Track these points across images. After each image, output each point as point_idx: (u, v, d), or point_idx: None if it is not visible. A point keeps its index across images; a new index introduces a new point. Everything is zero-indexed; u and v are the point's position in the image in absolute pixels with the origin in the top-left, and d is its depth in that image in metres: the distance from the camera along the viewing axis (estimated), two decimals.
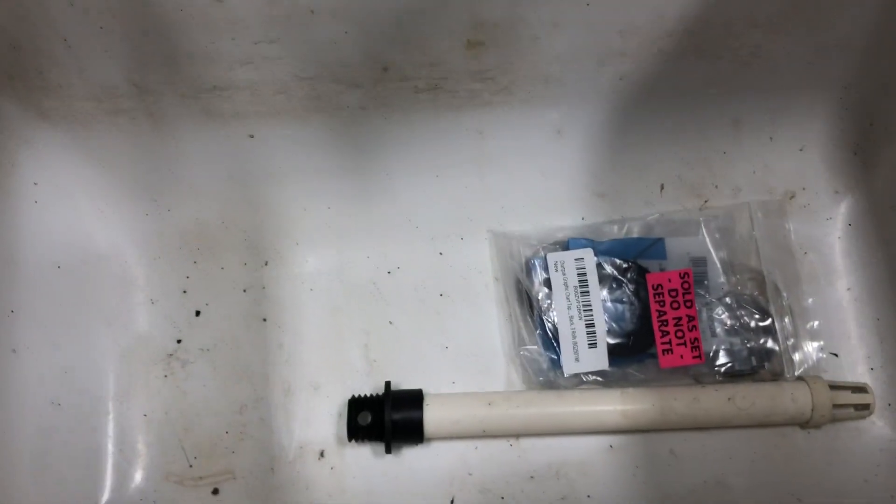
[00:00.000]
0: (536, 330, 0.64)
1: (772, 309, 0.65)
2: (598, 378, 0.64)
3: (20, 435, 0.56)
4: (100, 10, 0.51)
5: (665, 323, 0.64)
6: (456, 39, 0.56)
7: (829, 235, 0.68)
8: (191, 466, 0.62)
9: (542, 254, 0.66)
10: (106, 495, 0.60)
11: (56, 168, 0.61)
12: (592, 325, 0.64)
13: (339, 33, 0.54)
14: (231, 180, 0.66)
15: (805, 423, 0.63)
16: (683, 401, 0.62)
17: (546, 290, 0.65)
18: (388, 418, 0.60)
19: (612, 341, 0.64)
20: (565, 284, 0.64)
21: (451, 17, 0.54)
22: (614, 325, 0.64)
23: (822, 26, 0.58)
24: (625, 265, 0.65)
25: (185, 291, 0.66)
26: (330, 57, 0.56)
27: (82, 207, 0.63)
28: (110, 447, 0.61)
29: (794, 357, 0.65)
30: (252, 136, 0.63)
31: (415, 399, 0.61)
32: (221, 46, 0.54)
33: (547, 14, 0.54)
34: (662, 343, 0.63)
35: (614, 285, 0.65)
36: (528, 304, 0.65)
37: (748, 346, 0.64)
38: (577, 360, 0.63)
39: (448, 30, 0.55)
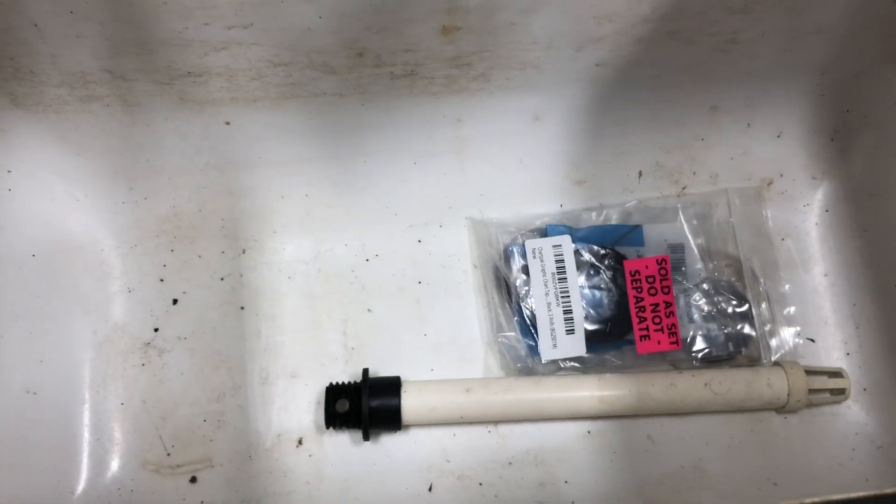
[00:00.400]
0: (514, 317, 0.64)
1: (749, 295, 0.65)
2: (576, 364, 0.64)
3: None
4: (65, 3, 0.50)
5: (642, 309, 0.64)
6: (431, 24, 0.55)
7: (806, 222, 0.68)
8: (168, 455, 0.62)
9: (521, 241, 0.66)
10: (82, 484, 0.60)
11: (30, 156, 0.61)
12: (570, 312, 0.64)
13: (313, 18, 0.54)
14: (208, 168, 0.65)
15: (781, 408, 0.63)
16: (660, 386, 0.62)
17: (524, 276, 0.65)
18: (365, 406, 0.60)
19: (589, 328, 0.64)
20: (543, 271, 0.64)
21: (426, 1, 0.53)
22: (592, 312, 0.64)
23: (798, 12, 0.58)
24: (602, 252, 0.65)
25: (162, 280, 0.65)
26: (304, 42, 0.56)
27: (57, 195, 0.63)
28: (87, 436, 0.61)
29: (770, 343, 0.65)
30: (228, 123, 0.62)
31: (392, 386, 0.61)
32: (194, 32, 0.54)
33: None
34: (640, 329, 0.64)
35: (592, 272, 0.65)
36: (506, 291, 0.65)
37: (725, 331, 0.65)
38: (554, 346, 0.63)
39: (423, 15, 0.54)
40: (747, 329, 0.65)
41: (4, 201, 0.60)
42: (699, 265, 0.66)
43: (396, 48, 0.57)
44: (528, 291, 0.64)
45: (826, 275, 0.67)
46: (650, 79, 0.62)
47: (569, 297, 0.64)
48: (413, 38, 0.56)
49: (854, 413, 0.64)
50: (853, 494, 0.33)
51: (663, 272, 0.64)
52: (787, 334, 0.65)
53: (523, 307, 0.64)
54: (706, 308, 0.65)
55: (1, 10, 0.51)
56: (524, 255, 0.65)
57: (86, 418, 0.61)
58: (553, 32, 0.57)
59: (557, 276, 0.64)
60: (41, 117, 0.60)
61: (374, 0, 0.53)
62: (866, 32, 0.60)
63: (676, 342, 0.63)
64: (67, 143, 0.62)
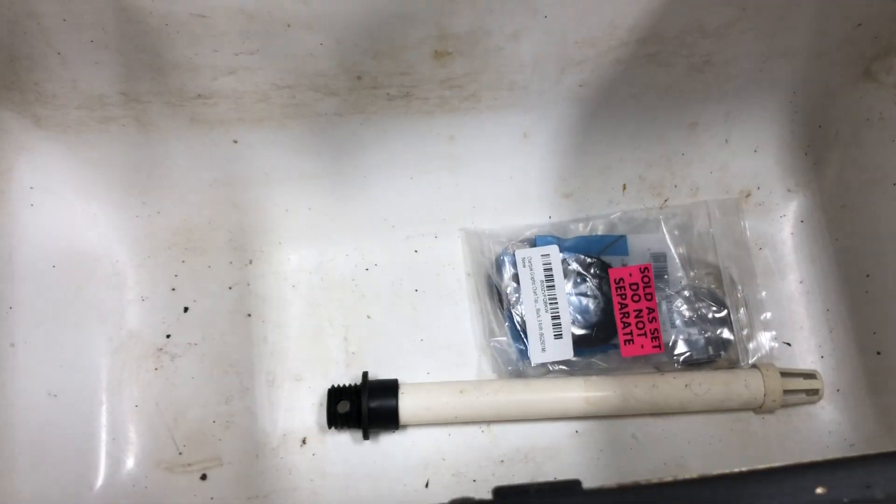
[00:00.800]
0: (506, 322, 0.68)
1: (728, 301, 0.69)
2: (564, 367, 0.68)
3: (19, 424, 0.60)
4: (91, 26, 0.54)
5: (627, 315, 0.68)
6: (425, 50, 0.59)
7: (782, 231, 0.72)
8: (180, 454, 0.65)
9: (511, 251, 0.69)
10: (100, 481, 0.63)
11: (51, 173, 0.65)
12: (558, 318, 0.67)
13: (315, 45, 0.58)
14: (216, 183, 0.69)
15: (759, 408, 0.67)
16: (643, 387, 0.66)
17: (515, 284, 0.69)
18: (365, 407, 0.64)
19: (576, 332, 0.68)
20: (532, 279, 0.68)
21: (419, 29, 0.57)
22: (579, 318, 0.68)
23: (767, 36, 0.62)
24: (589, 261, 0.69)
25: (173, 289, 0.69)
26: (307, 67, 0.60)
27: (76, 210, 0.67)
28: (104, 436, 0.64)
29: (748, 346, 0.69)
30: (236, 142, 0.67)
31: (390, 388, 0.65)
32: (205, 58, 0.58)
33: (509, 26, 0.58)
34: (624, 334, 0.67)
35: (579, 280, 0.69)
36: (497, 298, 0.69)
37: (705, 336, 0.68)
38: (543, 350, 0.67)
39: (417, 41, 0.58)
40: (726, 333, 0.68)
41: (27, 216, 0.64)
42: (680, 273, 0.70)
43: (392, 71, 0.61)
44: (518, 298, 0.68)
45: (801, 282, 0.71)
46: (631, 98, 0.66)
47: (557, 303, 0.68)
48: (408, 63, 0.60)
49: (828, 413, 0.68)
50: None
51: (646, 280, 0.68)
52: (764, 338, 0.69)
53: (514, 313, 0.68)
54: (687, 314, 0.69)
55: (28, 39, 0.55)
56: (514, 264, 0.69)
57: (103, 420, 0.65)
58: (538, 56, 0.61)
59: (546, 284, 0.68)
60: (61, 137, 0.64)
61: (372, 28, 0.57)
62: (832, 55, 0.64)
63: (659, 346, 0.67)
64: (85, 161, 0.66)
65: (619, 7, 0.57)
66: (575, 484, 0.32)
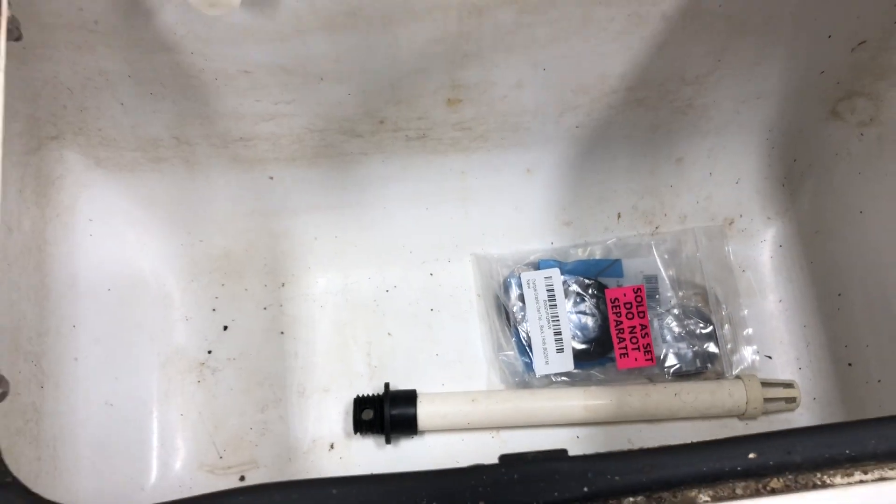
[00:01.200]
0: (512, 338, 0.76)
1: (714, 318, 0.76)
2: (566, 378, 0.75)
3: (81, 429, 0.67)
4: (152, 81, 0.63)
5: (622, 331, 0.75)
6: (439, 98, 0.68)
7: (762, 255, 0.80)
8: (221, 458, 0.73)
9: (517, 273, 0.77)
10: (151, 481, 0.71)
11: (107, 207, 0.73)
12: (560, 334, 0.75)
13: (344, 95, 0.66)
14: (253, 215, 0.77)
15: (742, 415, 0.74)
16: (637, 396, 0.73)
17: (520, 304, 0.76)
18: (387, 414, 0.71)
19: (576, 347, 0.75)
20: (536, 299, 0.76)
21: (434, 81, 0.66)
22: (578, 334, 0.76)
23: (741, 82, 0.70)
24: (587, 282, 0.77)
25: (214, 309, 0.77)
26: (336, 113, 0.68)
27: (129, 239, 0.75)
28: (154, 441, 0.72)
29: (732, 359, 0.76)
30: (271, 178, 0.75)
31: (409, 398, 0.73)
32: (248, 106, 0.66)
33: (512, 77, 0.66)
34: (620, 348, 0.75)
35: (578, 299, 0.77)
36: (505, 317, 0.77)
37: (693, 350, 0.76)
38: (547, 363, 0.75)
39: (432, 90, 0.67)
40: (712, 348, 0.76)
41: (87, 245, 0.72)
42: (670, 293, 0.77)
43: (411, 116, 0.69)
44: (524, 316, 0.76)
45: (780, 300, 0.78)
46: (623, 137, 0.74)
47: (559, 321, 0.75)
48: (424, 109, 0.69)
49: (805, 419, 0.75)
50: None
51: (639, 299, 0.76)
52: (747, 352, 0.76)
53: (520, 330, 0.76)
54: (677, 330, 0.76)
55: (96, 92, 0.63)
56: (520, 286, 0.77)
57: (153, 427, 0.73)
58: (539, 102, 0.69)
59: (549, 304, 0.76)
60: (118, 175, 0.72)
61: (393, 80, 0.65)
62: (802, 98, 0.72)
63: (651, 359, 0.75)
64: (138, 196, 0.74)
65: (609, 60, 0.65)
66: (562, 452, 0.39)
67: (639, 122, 0.73)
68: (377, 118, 0.69)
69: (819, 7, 0.63)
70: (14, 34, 0.41)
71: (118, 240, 0.75)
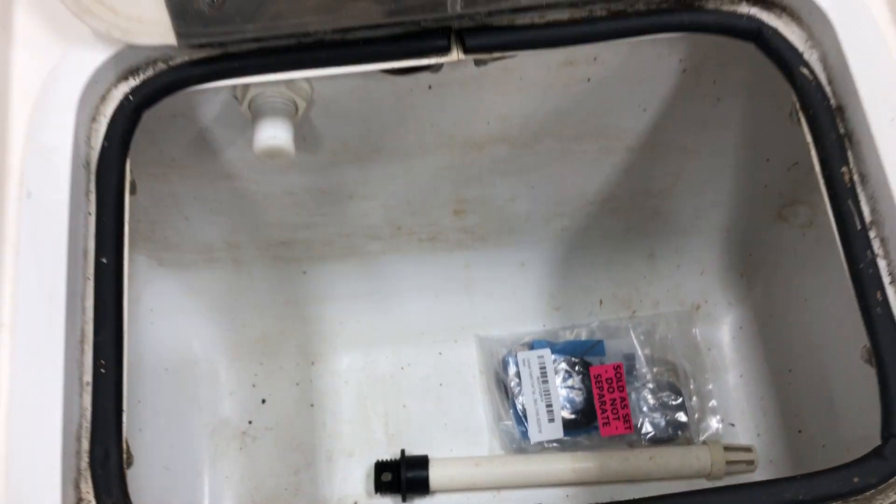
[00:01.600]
0: (511, 409, 0.88)
1: (683, 391, 0.89)
2: (556, 444, 0.87)
3: (146, 490, 0.79)
4: (212, 200, 0.77)
5: (604, 403, 0.88)
6: (447, 209, 0.82)
7: (725, 336, 0.92)
8: None
9: (514, 353, 0.90)
10: None
11: (166, 298, 0.87)
12: (551, 406, 0.87)
13: (369, 208, 0.80)
14: (288, 303, 0.91)
15: (707, 476, 0.85)
16: (617, 460, 0.85)
17: (517, 379, 0.89)
18: (403, 477, 0.83)
19: (566, 417, 0.88)
20: (531, 375, 0.89)
21: (442, 197, 0.80)
22: (567, 405, 0.88)
23: (699, 194, 0.84)
24: (574, 360, 0.90)
25: (254, 385, 0.90)
26: (361, 222, 0.82)
27: (182, 325, 0.89)
28: (205, 500, 0.84)
29: (700, 427, 0.88)
30: (305, 273, 0.89)
31: (422, 462, 0.85)
32: (289, 218, 0.81)
33: (507, 193, 0.80)
34: (602, 418, 0.87)
35: (567, 375, 0.89)
36: (504, 391, 0.89)
37: (666, 419, 0.88)
38: (540, 431, 0.87)
39: (441, 204, 0.81)
40: (683, 417, 0.88)
41: (149, 331, 0.85)
42: (646, 369, 0.90)
43: (423, 223, 0.83)
44: (520, 390, 0.88)
45: (741, 376, 0.91)
46: (602, 237, 0.88)
47: (550, 394, 0.88)
48: (434, 218, 0.83)
49: (763, 479, 0.86)
50: None
51: (619, 375, 0.88)
52: (712, 421, 0.89)
53: (517, 402, 0.88)
54: (652, 401, 0.89)
55: (166, 210, 0.78)
56: (517, 364, 0.89)
57: (204, 488, 0.85)
58: (529, 211, 0.83)
59: (541, 380, 0.88)
60: (176, 272, 0.86)
61: (410, 197, 0.79)
62: (751, 205, 0.86)
63: (630, 427, 0.87)
64: (192, 289, 0.88)
65: (585, 180, 0.80)
66: None
67: (614, 225, 0.87)
68: (395, 225, 0.83)
69: (757, 138, 0.77)
70: (133, 190, 0.55)
71: (174, 326, 0.88)
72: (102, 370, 0.50)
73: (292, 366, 0.91)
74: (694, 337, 0.92)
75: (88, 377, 0.50)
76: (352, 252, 0.87)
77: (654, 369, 0.90)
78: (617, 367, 0.88)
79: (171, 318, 0.88)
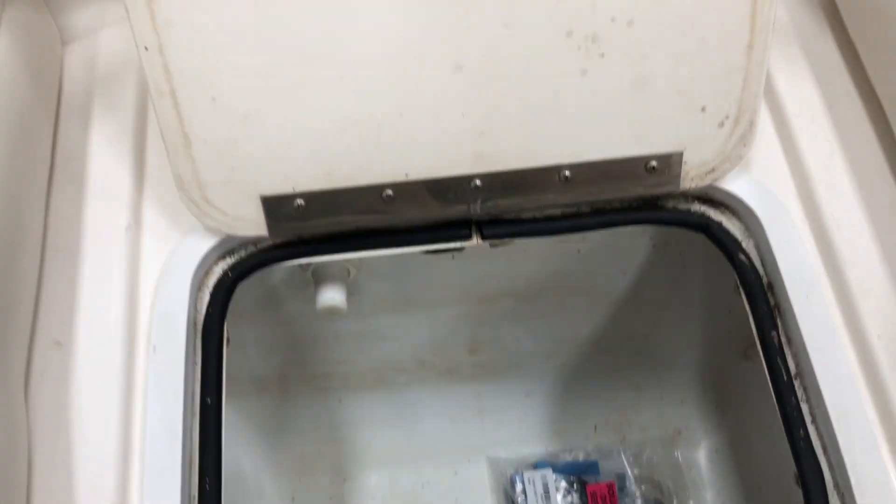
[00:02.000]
0: None
1: None
2: None
3: None
4: (270, 342, 0.93)
5: None
6: (463, 349, 0.98)
7: (703, 458, 1.06)
8: None
9: (520, 472, 1.04)
10: None
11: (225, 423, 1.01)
12: None
13: (397, 348, 0.96)
14: (324, 426, 1.05)
15: None
16: None
17: (524, 496, 1.02)
18: None
19: None
20: (535, 492, 1.02)
21: (460, 339, 0.96)
22: None
23: (675, 338, 1.00)
24: (572, 479, 1.03)
25: (293, 499, 1.04)
26: (390, 358, 0.98)
27: (233, 445, 1.02)
28: None
29: None
30: (340, 400, 1.04)
31: None
32: (330, 356, 0.96)
33: (514, 336, 0.97)
34: None
35: (566, 492, 1.03)
36: None
37: None
38: None
39: (457, 347, 0.97)
40: None
41: None
42: (634, 487, 1.03)
43: (443, 360, 0.99)
44: None
45: (718, 493, 1.04)
46: (595, 371, 1.04)
47: None
48: (452, 355, 0.99)
49: None
50: None
51: (611, 492, 1.02)
52: None
53: None
54: None
55: (231, 350, 0.94)
56: (523, 482, 1.03)
57: None
58: (533, 350, 0.99)
59: (545, 496, 1.02)
60: (232, 400, 1.00)
61: (432, 338, 0.95)
62: (720, 347, 1.01)
63: None
64: (243, 413, 1.02)
65: (579, 325, 0.96)
66: None
67: (605, 362, 1.02)
68: (419, 361, 0.99)
69: (717, 295, 0.94)
70: (227, 343, 0.71)
71: (228, 445, 1.02)
72: (207, 487, 0.64)
73: (326, 482, 1.05)
74: (676, 459, 1.06)
75: (195, 491, 0.64)
76: (381, 383, 1.02)
77: (643, 487, 1.04)
78: (610, 486, 1.02)
79: (226, 438, 1.02)
